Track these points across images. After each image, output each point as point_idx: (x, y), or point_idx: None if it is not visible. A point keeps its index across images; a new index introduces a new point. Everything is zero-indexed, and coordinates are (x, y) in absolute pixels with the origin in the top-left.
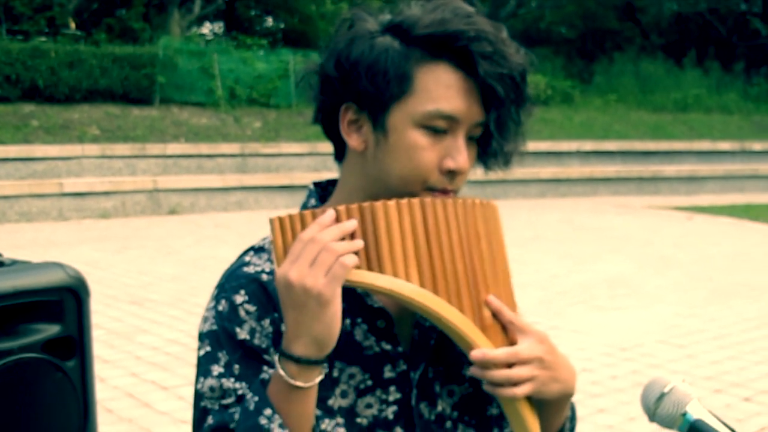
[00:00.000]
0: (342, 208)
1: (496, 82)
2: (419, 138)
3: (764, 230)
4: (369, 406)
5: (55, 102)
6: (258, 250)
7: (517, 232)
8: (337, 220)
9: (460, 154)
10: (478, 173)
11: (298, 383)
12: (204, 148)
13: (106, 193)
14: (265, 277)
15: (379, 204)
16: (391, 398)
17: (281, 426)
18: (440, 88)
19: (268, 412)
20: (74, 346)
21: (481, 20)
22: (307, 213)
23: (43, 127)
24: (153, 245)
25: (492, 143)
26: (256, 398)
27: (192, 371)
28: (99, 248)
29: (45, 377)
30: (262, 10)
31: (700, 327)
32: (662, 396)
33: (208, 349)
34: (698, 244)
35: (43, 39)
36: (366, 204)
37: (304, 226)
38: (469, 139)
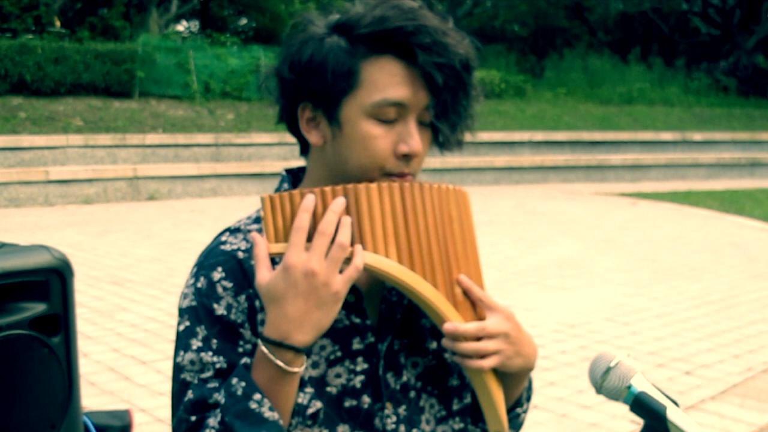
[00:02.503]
0: (328, 189)
1: (435, 71)
2: (371, 128)
3: (704, 215)
4: (338, 375)
5: (42, 95)
6: (234, 230)
7: (473, 217)
8: (324, 200)
9: (412, 138)
10: (436, 162)
11: (295, 369)
12: (180, 138)
13: (89, 181)
14: (241, 254)
15: (362, 186)
16: (358, 368)
17: (271, 408)
18: (385, 77)
19: (257, 396)
20: (59, 323)
21: (423, 14)
22: (296, 192)
23: (30, 118)
24: (133, 229)
25: (440, 128)
26: (243, 383)
27: (170, 346)
28: (82, 232)
29: (32, 352)
30: (234, 9)
31: (644, 305)
32: (608, 370)
33: (188, 324)
34: (642, 228)
35: (30, 36)
36: (350, 186)
37: (293, 205)
38: (422, 124)
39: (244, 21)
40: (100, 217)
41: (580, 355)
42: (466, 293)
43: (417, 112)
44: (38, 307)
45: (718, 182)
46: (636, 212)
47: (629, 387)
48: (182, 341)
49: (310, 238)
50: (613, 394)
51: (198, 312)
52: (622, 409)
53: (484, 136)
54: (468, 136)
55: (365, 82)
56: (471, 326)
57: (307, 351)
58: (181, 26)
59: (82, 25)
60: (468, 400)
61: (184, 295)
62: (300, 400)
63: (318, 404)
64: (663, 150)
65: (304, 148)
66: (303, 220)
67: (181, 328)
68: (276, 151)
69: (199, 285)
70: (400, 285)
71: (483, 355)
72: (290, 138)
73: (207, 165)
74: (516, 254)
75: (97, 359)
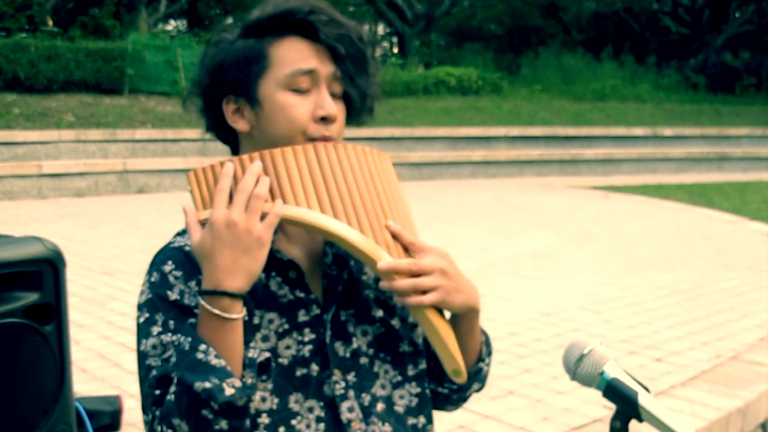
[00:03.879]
0: (245, 156)
1: (336, 43)
2: (288, 98)
3: (674, 208)
4: (288, 347)
5: (35, 92)
6: (182, 232)
7: (450, 210)
8: (243, 166)
9: (326, 102)
10: (416, 156)
11: (233, 315)
12: (169, 134)
13: (81, 174)
14: (188, 248)
15: (276, 150)
16: (306, 339)
17: (217, 356)
18: (292, 54)
19: (202, 347)
20: (52, 312)
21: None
22: (216, 163)
23: (23, 114)
24: (123, 221)
25: (350, 95)
26: (189, 338)
27: None
28: (74, 224)
29: (25, 340)
30: (221, 8)
31: (616, 295)
32: (582, 357)
33: (147, 315)
34: (614, 220)
35: (24, 35)
36: (265, 151)
37: (215, 175)
38: (334, 96)
39: (230, 20)
40: (92, 210)
41: (555, 342)
42: (397, 239)
43: (327, 82)
44: (31, 297)
45: (688, 176)
46: (608, 205)
47: (602, 373)
48: (143, 331)
49: None
50: (586, 381)
51: (154, 302)
52: (595, 394)
53: (462, 131)
54: (446, 132)
55: (275, 60)
56: (404, 261)
57: (243, 297)
58: (170, 25)
59: (74, 24)
60: (423, 366)
61: (142, 292)
62: (251, 354)
63: (266, 354)
64: (634, 145)
65: (235, 149)
66: (224, 183)
67: (141, 320)
68: None
69: (152, 279)
70: (327, 233)
71: (422, 291)
72: None
73: (194, 159)
74: (492, 245)
75: (88, 347)
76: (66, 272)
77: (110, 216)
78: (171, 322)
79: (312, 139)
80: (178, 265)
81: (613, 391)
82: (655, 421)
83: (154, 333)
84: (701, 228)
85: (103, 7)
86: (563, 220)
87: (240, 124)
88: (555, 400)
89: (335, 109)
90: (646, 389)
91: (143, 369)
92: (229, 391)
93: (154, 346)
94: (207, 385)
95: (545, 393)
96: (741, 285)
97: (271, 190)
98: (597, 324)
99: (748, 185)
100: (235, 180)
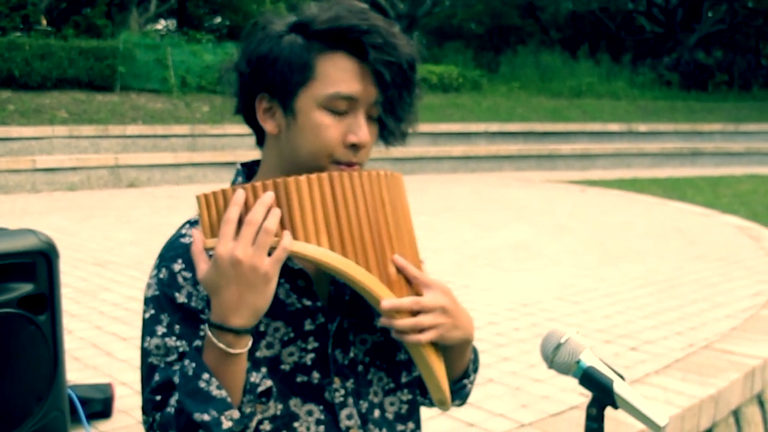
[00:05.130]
0: (259, 184)
1: (384, 68)
2: (324, 117)
3: (648, 201)
4: (291, 354)
5: (29, 89)
6: (194, 222)
7: (432, 204)
8: (255, 194)
9: (360, 129)
10: (398, 152)
11: (237, 351)
12: (159, 130)
13: (74, 169)
14: None
15: (291, 179)
16: (309, 347)
17: (219, 387)
18: (338, 73)
19: (205, 376)
20: (46, 302)
21: (373, 16)
22: (228, 189)
23: (18, 111)
24: (114, 214)
25: (386, 122)
26: (194, 364)
27: None
28: (67, 217)
29: (20, 329)
30: (210, 8)
31: (592, 286)
32: (559, 346)
33: (152, 312)
34: (591, 213)
35: (18, 34)
36: (279, 180)
37: (226, 200)
38: (370, 118)
39: (218, 19)
40: (84, 203)
41: (533, 332)
42: (402, 272)
43: (366, 107)
44: (26, 287)
45: (662, 170)
46: (585, 199)
47: (578, 362)
48: (148, 328)
49: None
50: (563, 369)
51: (161, 301)
52: (572, 382)
53: (443, 127)
54: (428, 128)
55: (320, 75)
56: (406, 300)
57: (249, 332)
58: (160, 24)
59: (67, 23)
60: (416, 372)
61: (149, 286)
62: (253, 379)
63: (268, 383)
64: (610, 140)
65: (260, 139)
66: (232, 213)
67: (147, 315)
68: (248, 142)
69: (161, 276)
70: (332, 270)
71: (420, 330)
72: None
73: (183, 154)
74: (473, 238)
75: (81, 336)
76: (59, 264)
77: (102, 209)
78: (176, 327)
79: (337, 162)
80: (187, 266)
81: (589, 379)
82: (630, 408)
83: (159, 333)
84: (675, 221)
85: (95, 6)
86: (541, 214)
87: (269, 125)
88: (533, 387)
89: (368, 136)
90: (621, 377)
91: (145, 366)
92: (226, 425)
93: (157, 347)
94: (206, 417)
95: (523, 381)
96: (713, 276)
97: (281, 221)
98: (574, 314)
99: (720, 180)
100: (246, 207)
